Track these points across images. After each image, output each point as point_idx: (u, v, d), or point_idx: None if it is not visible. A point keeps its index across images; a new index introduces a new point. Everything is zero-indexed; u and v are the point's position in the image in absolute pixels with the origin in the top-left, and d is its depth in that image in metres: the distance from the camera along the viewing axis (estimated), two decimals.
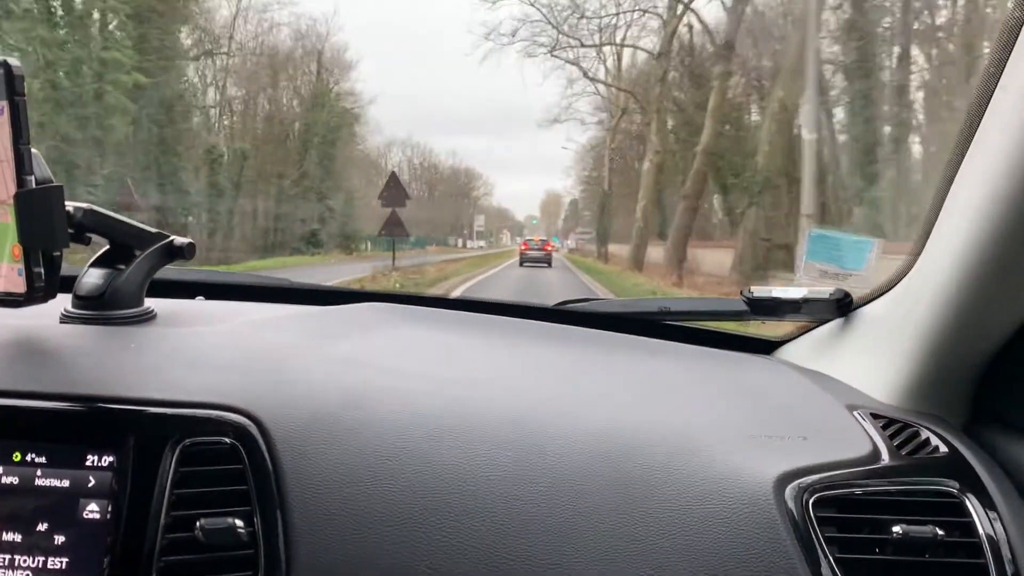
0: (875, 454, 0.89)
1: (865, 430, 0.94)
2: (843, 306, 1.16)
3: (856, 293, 1.16)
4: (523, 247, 34.95)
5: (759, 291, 1.24)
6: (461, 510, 0.78)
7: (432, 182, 71.43)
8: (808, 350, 1.24)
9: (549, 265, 31.18)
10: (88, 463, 0.77)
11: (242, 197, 29.32)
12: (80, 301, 0.99)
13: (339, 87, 37.04)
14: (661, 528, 0.78)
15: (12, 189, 0.82)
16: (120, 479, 0.77)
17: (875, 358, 1.07)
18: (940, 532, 0.81)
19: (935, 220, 0.97)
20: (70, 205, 0.92)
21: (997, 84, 0.84)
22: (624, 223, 35.47)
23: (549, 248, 34.75)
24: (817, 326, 1.24)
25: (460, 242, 70.15)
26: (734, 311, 1.31)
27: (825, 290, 1.17)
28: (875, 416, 0.97)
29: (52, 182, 0.86)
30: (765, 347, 1.34)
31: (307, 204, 33.01)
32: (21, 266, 0.84)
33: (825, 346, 1.20)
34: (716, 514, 0.79)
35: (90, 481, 0.77)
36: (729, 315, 1.35)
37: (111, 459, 0.78)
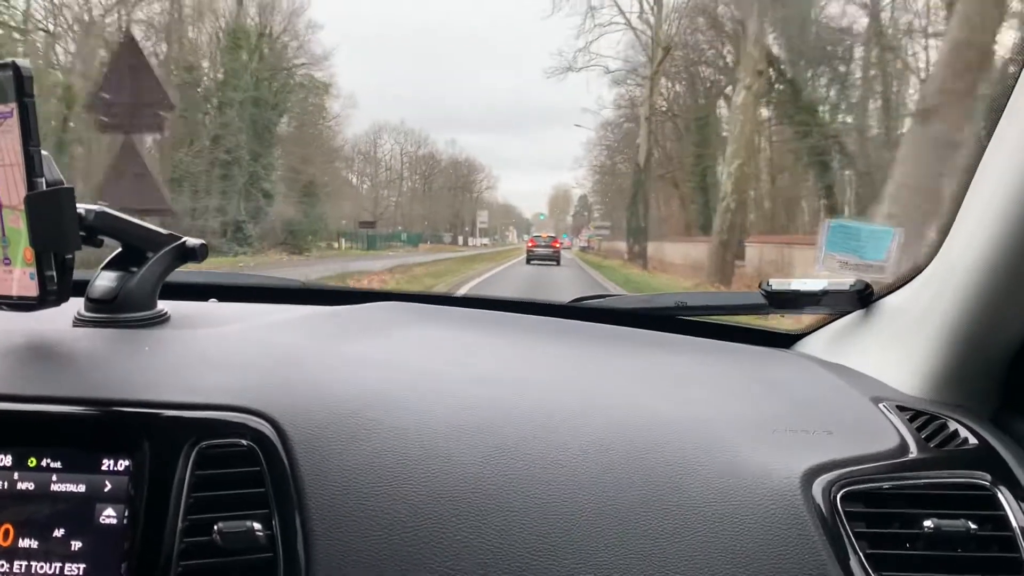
0: (903, 447, 0.88)
1: (892, 423, 0.92)
2: (864, 297, 1.15)
3: (877, 284, 1.14)
4: (530, 244, 33.68)
5: (778, 284, 1.22)
6: (481, 510, 0.77)
7: (428, 174, 66.76)
8: (829, 343, 1.22)
9: (558, 263, 29.93)
10: (104, 467, 0.77)
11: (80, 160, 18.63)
12: (93, 304, 0.98)
13: (288, 44, 29.31)
14: (687, 525, 0.77)
15: (23, 192, 0.82)
16: (136, 483, 0.76)
17: (899, 349, 1.05)
18: (973, 526, 0.79)
19: (958, 208, 0.95)
20: (81, 207, 0.91)
21: (1020, 76, 0.82)
22: (664, 213, 30.50)
23: (557, 245, 33.32)
24: (837, 318, 1.22)
25: (461, 239, 66.14)
26: (752, 305, 1.29)
27: (846, 281, 1.16)
28: (901, 408, 0.95)
29: (63, 184, 0.85)
30: (784, 340, 1.32)
31: (227, 186, 24.06)
32: (33, 270, 0.84)
33: (846, 338, 1.18)
34: (743, 510, 0.78)
35: (106, 486, 0.76)
36: (747, 309, 1.33)
37: (127, 463, 0.77)
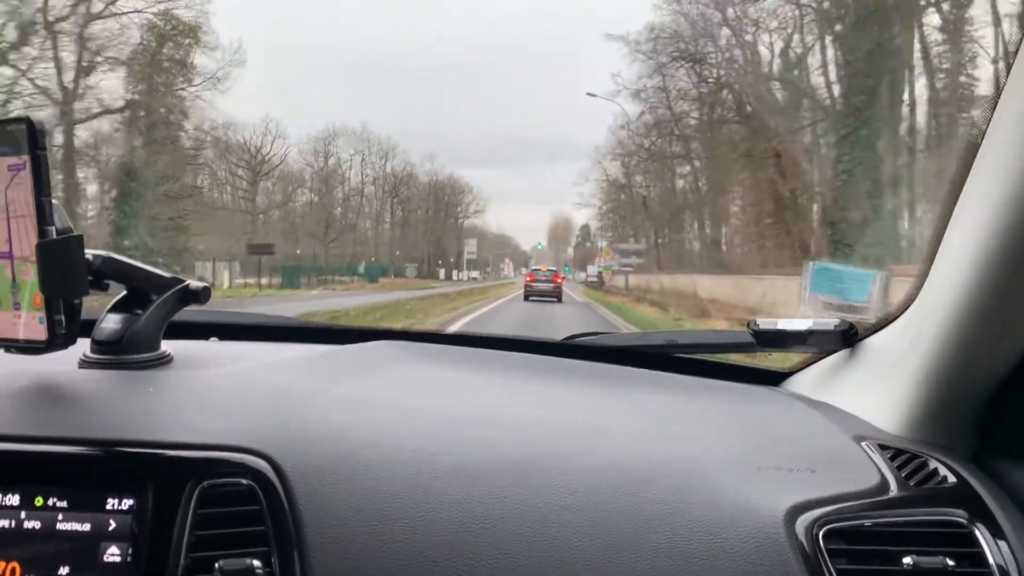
0: (883, 485, 0.90)
1: (873, 461, 0.94)
2: (848, 337, 1.18)
3: (861, 324, 1.17)
4: (528, 279, 29.96)
5: (765, 323, 1.25)
6: (473, 549, 0.79)
7: (399, 191, 55.52)
8: (815, 381, 1.25)
9: (559, 300, 25.97)
10: (108, 507, 0.79)
11: None
12: (98, 346, 1.01)
13: None
14: (672, 562, 0.79)
15: (35, 241, 0.85)
16: (140, 522, 0.78)
17: (881, 389, 1.07)
18: (951, 563, 0.81)
19: (937, 250, 0.98)
20: (89, 253, 0.94)
21: (994, 116, 0.85)
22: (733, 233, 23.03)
23: (559, 280, 29.18)
24: (823, 357, 1.25)
25: (443, 272, 55.61)
26: (741, 343, 1.32)
27: (830, 321, 1.19)
28: (883, 447, 0.97)
29: (72, 232, 0.88)
30: (772, 379, 1.35)
31: None
32: (42, 314, 0.87)
33: (832, 377, 1.21)
34: (727, 547, 0.80)
35: (111, 524, 0.79)
36: (736, 347, 1.36)
37: (131, 502, 0.79)
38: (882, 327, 1.13)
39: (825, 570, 0.80)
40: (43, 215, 0.84)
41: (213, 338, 1.30)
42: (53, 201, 0.86)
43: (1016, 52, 0.81)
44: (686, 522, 0.82)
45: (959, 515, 0.86)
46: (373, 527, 0.79)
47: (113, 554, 0.78)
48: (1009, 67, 0.83)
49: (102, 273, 0.98)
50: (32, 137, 0.83)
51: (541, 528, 0.80)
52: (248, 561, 0.76)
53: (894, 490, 0.90)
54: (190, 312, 1.21)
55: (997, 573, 0.81)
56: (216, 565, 0.76)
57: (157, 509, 0.79)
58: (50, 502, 0.79)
